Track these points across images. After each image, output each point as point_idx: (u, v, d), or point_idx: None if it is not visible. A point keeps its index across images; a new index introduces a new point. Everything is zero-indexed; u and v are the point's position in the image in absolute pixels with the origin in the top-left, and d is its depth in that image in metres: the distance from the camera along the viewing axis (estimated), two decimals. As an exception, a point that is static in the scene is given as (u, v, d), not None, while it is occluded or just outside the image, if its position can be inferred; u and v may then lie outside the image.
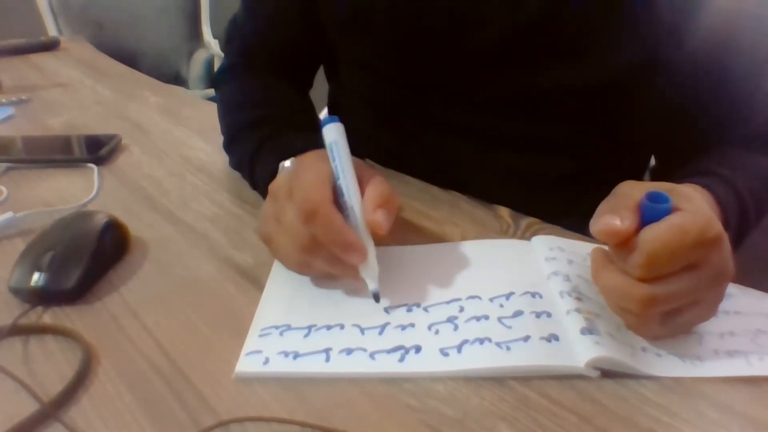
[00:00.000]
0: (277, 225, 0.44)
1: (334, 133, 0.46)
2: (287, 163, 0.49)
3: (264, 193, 0.49)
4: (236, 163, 0.64)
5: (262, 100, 0.67)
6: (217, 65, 2.27)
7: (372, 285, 0.42)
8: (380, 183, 0.45)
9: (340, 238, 0.41)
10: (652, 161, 0.72)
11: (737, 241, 0.40)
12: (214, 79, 0.75)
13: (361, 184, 0.45)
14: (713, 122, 0.57)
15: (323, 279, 0.46)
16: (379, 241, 0.44)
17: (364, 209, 0.43)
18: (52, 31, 2.01)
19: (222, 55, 2.39)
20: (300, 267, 0.45)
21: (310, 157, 0.47)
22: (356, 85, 0.71)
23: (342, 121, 0.46)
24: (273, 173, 0.50)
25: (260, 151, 0.57)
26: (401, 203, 0.45)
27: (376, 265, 0.43)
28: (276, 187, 0.46)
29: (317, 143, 0.47)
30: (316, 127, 0.47)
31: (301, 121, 0.46)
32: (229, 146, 0.66)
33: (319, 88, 0.78)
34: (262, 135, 0.59)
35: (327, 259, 0.42)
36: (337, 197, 0.44)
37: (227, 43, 0.74)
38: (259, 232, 0.47)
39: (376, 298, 0.42)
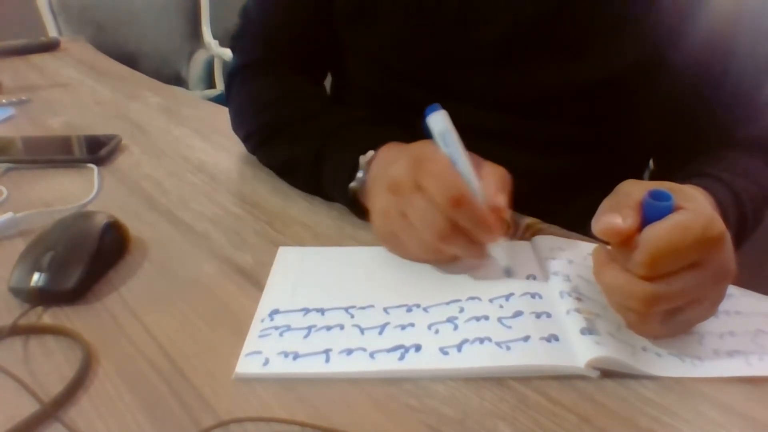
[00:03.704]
0: (403, 219, 0.44)
1: (443, 122, 0.45)
2: (368, 156, 0.51)
3: (334, 187, 0.51)
4: (284, 159, 0.62)
5: (307, 95, 0.66)
6: (217, 66, 2.27)
7: (504, 261, 0.45)
8: (495, 166, 0.46)
9: (484, 221, 0.42)
10: (651, 164, 0.72)
11: (735, 245, 0.41)
12: (227, 79, 0.72)
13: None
14: (713, 124, 0.57)
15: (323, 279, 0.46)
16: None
17: (486, 194, 0.44)
18: (52, 32, 2.01)
19: (222, 55, 2.38)
20: (432, 254, 0.45)
21: (418, 147, 0.47)
22: (360, 78, 0.71)
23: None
24: (351, 168, 0.52)
25: (327, 146, 0.56)
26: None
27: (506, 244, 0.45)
28: (394, 182, 0.45)
29: (386, 137, 0.50)
30: (370, 121, 0.49)
31: (351, 116, 0.48)
32: (268, 143, 0.64)
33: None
34: (326, 128, 0.57)
35: (463, 244, 0.43)
36: None
37: (239, 38, 0.72)
38: (380, 231, 0.48)
39: (509, 272, 0.45)
